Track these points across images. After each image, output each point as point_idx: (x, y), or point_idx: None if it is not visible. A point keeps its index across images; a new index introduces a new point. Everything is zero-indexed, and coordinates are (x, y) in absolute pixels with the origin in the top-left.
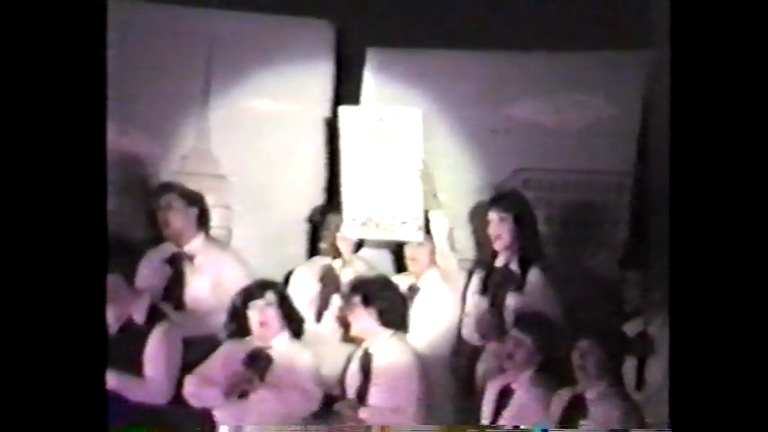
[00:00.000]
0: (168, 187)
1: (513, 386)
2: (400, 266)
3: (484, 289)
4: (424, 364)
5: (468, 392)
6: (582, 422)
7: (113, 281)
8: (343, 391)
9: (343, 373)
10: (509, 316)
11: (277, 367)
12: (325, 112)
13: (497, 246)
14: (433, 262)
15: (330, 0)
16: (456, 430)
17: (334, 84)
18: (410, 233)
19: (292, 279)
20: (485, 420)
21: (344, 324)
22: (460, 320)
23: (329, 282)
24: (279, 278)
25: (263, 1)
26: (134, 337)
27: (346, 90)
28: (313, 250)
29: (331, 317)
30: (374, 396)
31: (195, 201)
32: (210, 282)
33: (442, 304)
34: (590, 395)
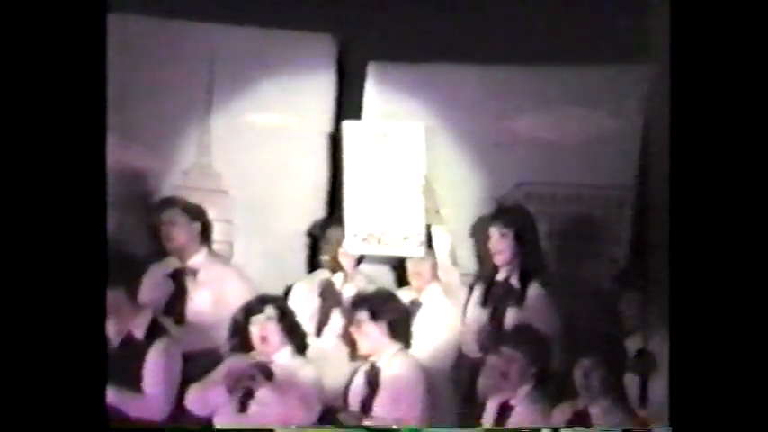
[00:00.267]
0: (171, 202)
1: (513, 402)
2: (401, 281)
3: (484, 302)
4: (428, 378)
5: (470, 405)
6: None
7: (114, 296)
8: (346, 403)
9: (346, 387)
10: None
11: (279, 382)
12: (327, 126)
13: (498, 260)
14: (435, 277)
15: (332, 14)
16: None
17: (335, 98)
18: (412, 249)
19: (292, 293)
20: None
21: (350, 342)
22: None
23: (329, 296)
24: (279, 292)
25: (265, 15)
26: (134, 352)
27: (348, 104)
28: (313, 264)
29: (331, 332)
30: (379, 408)
31: (198, 215)
32: (213, 296)
33: (445, 319)
34: (594, 410)
